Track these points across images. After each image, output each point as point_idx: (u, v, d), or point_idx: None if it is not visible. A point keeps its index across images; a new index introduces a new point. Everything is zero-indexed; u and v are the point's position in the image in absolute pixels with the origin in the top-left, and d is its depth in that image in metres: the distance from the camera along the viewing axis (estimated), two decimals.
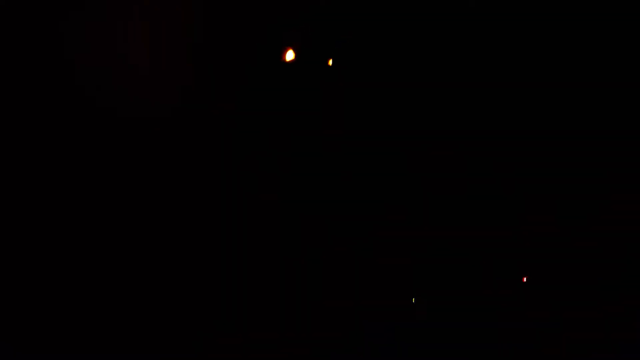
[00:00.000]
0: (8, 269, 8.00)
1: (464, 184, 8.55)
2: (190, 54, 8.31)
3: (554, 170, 8.43)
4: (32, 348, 7.84)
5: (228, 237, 8.46)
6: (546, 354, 8.14)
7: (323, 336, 8.33)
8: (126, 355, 7.99)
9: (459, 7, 8.31)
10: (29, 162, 8.19)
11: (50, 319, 7.97)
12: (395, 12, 8.38)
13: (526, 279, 8.33)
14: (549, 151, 8.45)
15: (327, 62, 7.72)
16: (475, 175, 8.53)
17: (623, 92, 8.32)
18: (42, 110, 8.19)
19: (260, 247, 8.46)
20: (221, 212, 8.49)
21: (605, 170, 8.34)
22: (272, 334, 8.30)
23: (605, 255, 8.27)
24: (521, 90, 8.47)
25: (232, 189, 8.54)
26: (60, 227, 8.19)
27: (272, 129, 8.57)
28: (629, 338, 8.00)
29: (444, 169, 8.56)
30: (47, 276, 8.07)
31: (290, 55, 7.45)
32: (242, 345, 8.24)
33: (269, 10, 8.13)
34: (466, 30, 8.39)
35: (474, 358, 8.16)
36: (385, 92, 8.57)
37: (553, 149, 8.44)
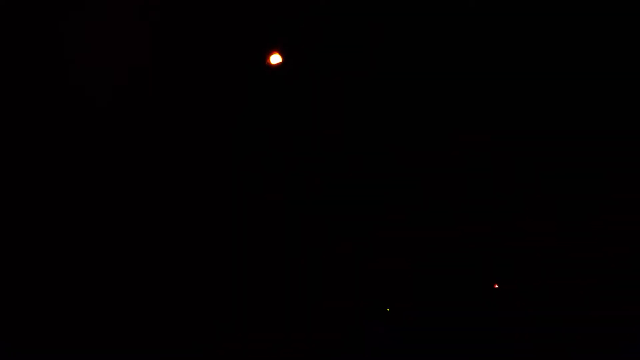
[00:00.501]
0: (8, 269, 8.01)
1: (464, 184, 8.54)
2: (191, 57, 8.33)
3: (553, 171, 8.43)
4: (32, 348, 7.87)
5: (228, 238, 8.47)
6: (546, 353, 8.13)
7: (323, 336, 8.34)
8: (127, 355, 8.01)
9: (459, 7, 8.31)
10: (29, 161, 8.21)
11: (50, 319, 7.99)
12: (395, 11, 8.37)
13: (498, 286, 8.34)
14: (549, 151, 8.44)
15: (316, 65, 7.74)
16: (475, 175, 8.53)
17: (622, 92, 8.31)
18: (41, 109, 8.20)
19: (260, 248, 8.47)
20: (221, 213, 8.50)
21: (606, 170, 8.33)
22: (272, 333, 8.32)
23: (605, 254, 8.27)
24: (521, 90, 8.46)
25: (232, 191, 8.55)
26: (60, 227, 8.20)
27: (272, 130, 8.58)
28: (629, 338, 7.99)
29: (443, 170, 8.56)
30: (47, 276, 8.08)
31: (276, 59, 7.44)
32: (242, 344, 8.26)
33: (264, 12, 8.13)
34: (466, 30, 8.38)
35: (473, 357, 8.16)
36: (385, 93, 8.57)
37: (552, 149, 8.43)
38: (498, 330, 8.27)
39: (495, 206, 8.49)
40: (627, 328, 8.02)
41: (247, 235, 8.48)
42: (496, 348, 8.21)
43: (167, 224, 8.39)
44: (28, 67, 8.09)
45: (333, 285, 8.48)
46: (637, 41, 8.19)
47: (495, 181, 8.50)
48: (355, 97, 8.54)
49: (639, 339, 7.96)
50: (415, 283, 8.47)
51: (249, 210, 8.50)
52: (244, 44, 8.30)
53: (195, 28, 8.23)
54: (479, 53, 8.43)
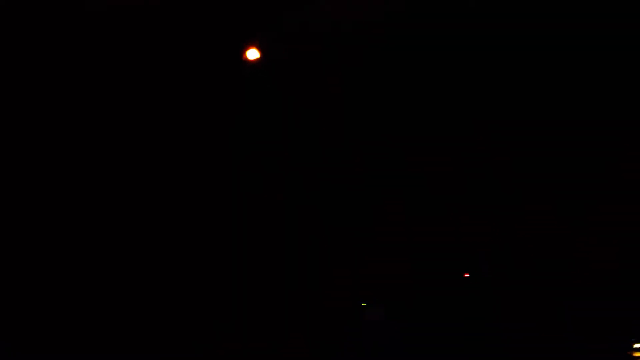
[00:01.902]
0: (8, 269, 8.02)
1: (464, 185, 8.56)
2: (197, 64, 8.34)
3: (553, 172, 8.44)
4: (32, 349, 7.88)
5: (229, 238, 8.48)
6: (545, 352, 8.15)
7: (323, 336, 8.35)
8: (128, 355, 8.03)
9: (459, 7, 8.32)
10: (30, 162, 8.22)
11: (50, 320, 8.00)
12: (395, 10, 8.38)
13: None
14: (548, 152, 8.45)
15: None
16: (474, 176, 8.54)
17: (621, 93, 8.32)
18: (45, 111, 8.21)
19: (260, 248, 8.48)
20: (221, 213, 8.51)
21: (606, 171, 8.35)
22: (272, 333, 8.33)
23: (605, 254, 8.28)
24: (520, 90, 8.47)
25: (232, 191, 8.57)
26: (60, 228, 8.21)
27: (272, 130, 8.59)
28: (629, 337, 8.01)
29: (443, 170, 8.57)
30: (47, 277, 8.10)
31: (254, 54, 7.40)
32: (242, 344, 8.27)
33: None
34: (465, 30, 8.39)
35: (472, 357, 8.17)
36: (385, 93, 8.58)
37: (551, 150, 8.45)
38: (497, 329, 8.29)
39: (494, 206, 8.51)
40: (627, 328, 8.03)
41: (247, 235, 8.48)
42: (495, 347, 8.23)
43: (167, 224, 8.40)
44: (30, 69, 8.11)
45: (333, 285, 8.49)
46: (633, 47, 8.20)
47: (495, 182, 8.52)
48: (354, 97, 8.55)
49: (638, 337, 7.98)
50: (414, 283, 8.49)
51: (249, 210, 8.51)
52: (225, 42, 8.30)
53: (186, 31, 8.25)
54: (478, 53, 8.44)
